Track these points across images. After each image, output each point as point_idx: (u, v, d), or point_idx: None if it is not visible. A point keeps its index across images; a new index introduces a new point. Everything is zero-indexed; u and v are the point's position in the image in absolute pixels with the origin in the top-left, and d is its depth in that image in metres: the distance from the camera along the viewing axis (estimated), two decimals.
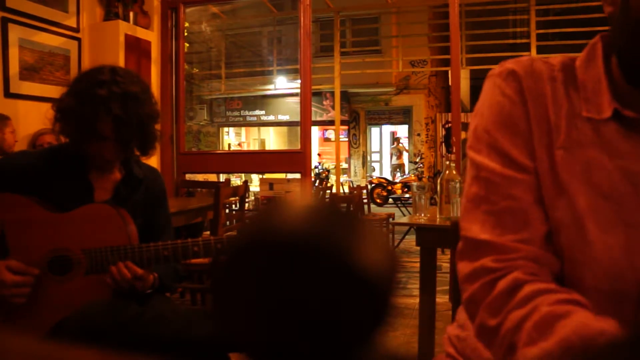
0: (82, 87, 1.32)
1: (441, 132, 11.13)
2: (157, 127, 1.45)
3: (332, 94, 9.53)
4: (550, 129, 0.67)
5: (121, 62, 3.71)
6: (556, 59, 0.72)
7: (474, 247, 0.66)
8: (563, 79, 0.69)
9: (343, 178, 11.71)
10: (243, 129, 14.84)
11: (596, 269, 0.62)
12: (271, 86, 10.36)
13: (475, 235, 0.66)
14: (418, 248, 2.06)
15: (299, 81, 3.95)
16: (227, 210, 4.00)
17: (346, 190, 9.67)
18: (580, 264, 0.64)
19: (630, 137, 0.64)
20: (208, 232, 3.27)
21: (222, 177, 7.58)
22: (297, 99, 6.65)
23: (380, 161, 14.67)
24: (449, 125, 10.45)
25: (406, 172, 12.44)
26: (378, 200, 10.56)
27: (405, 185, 10.41)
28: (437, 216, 2.01)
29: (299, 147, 3.94)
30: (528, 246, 0.64)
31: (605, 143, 0.65)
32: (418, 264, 2.14)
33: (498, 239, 0.64)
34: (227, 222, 3.12)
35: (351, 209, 4.08)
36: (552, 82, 0.69)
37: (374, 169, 14.05)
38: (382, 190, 10.79)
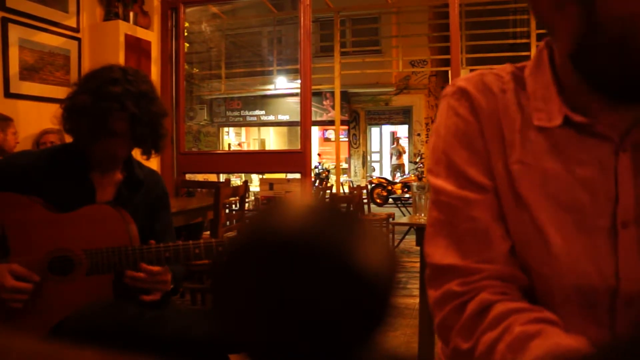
0: (96, 84, 1.33)
1: None
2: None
3: (332, 94, 9.53)
4: (505, 145, 0.67)
5: (121, 62, 3.71)
6: (506, 69, 0.72)
7: (439, 273, 0.66)
8: (514, 89, 0.69)
9: (343, 178, 11.71)
10: (243, 129, 14.84)
11: (564, 281, 0.62)
12: (271, 86, 10.36)
13: (439, 260, 0.66)
14: (418, 248, 2.06)
15: (299, 81, 3.95)
16: (227, 210, 4.00)
17: (346, 190, 9.67)
18: (549, 278, 0.63)
19: (582, 143, 0.64)
20: (208, 232, 3.27)
21: (222, 177, 7.58)
22: (297, 99, 6.65)
23: (380, 161, 14.67)
24: None
25: (406, 172, 12.44)
26: (378, 200, 10.56)
27: (405, 185, 10.41)
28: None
29: (299, 147, 3.94)
30: (491, 265, 0.64)
31: (559, 151, 0.64)
32: (418, 264, 2.15)
33: (461, 262, 0.64)
34: (227, 222, 3.12)
35: (351, 209, 4.08)
36: (503, 95, 0.69)
37: (374, 169, 14.05)
38: (382, 190, 10.79)
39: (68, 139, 1.45)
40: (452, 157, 0.69)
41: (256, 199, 7.59)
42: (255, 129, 14.70)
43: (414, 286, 3.69)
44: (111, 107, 1.30)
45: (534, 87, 0.68)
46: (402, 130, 13.73)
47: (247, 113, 13.15)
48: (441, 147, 0.71)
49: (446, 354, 0.81)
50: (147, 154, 1.45)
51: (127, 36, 3.77)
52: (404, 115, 12.79)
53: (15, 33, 3.23)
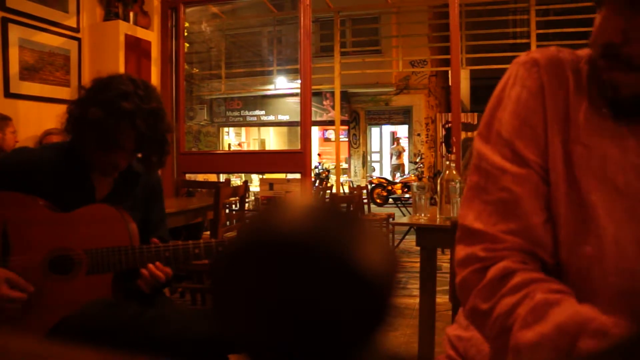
0: (108, 98, 1.31)
1: (441, 132, 11.13)
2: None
3: (332, 94, 9.53)
4: (568, 124, 0.68)
5: (121, 62, 3.71)
6: (585, 51, 0.72)
7: (467, 235, 0.70)
8: (588, 71, 0.70)
9: (343, 178, 11.71)
10: (243, 129, 14.83)
11: (606, 263, 0.64)
12: (271, 86, 10.36)
13: (470, 223, 0.70)
14: (418, 248, 2.06)
15: (299, 81, 3.95)
16: (227, 210, 4.00)
17: (346, 190, 9.67)
18: (589, 259, 0.65)
19: None
20: (208, 232, 3.27)
21: (222, 177, 7.58)
22: (297, 99, 6.64)
23: (380, 161, 14.66)
24: (449, 125, 10.44)
25: (406, 172, 12.43)
26: (378, 200, 10.56)
27: (405, 185, 10.41)
28: (437, 216, 2.01)
29: (299, 147, 3.94)
30: (516, 238, 0.67)
31: (622, 138, 0.66)
32: (418, 264, 2.14)
33: (489, 229, 0.68)
34: (227, 222, 3.12)
35: (351, 209, 4.07)
36: (577, 75, 0.70)
37: (374, 169, 14.04)
38: (382, 190, 10.79)
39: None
40: (505, 126, 0.70)
41: (256, 199, 7.59)
42: (255, 129, 14.70)
43: (414, 286, 3.68)
44: (121, 123, 1.30)
45: None
46: (402, 130, 13.72)
47: (247, 113, 13.15)
48: (497, 114, 0.72)
49: (464, 338, 0.82)
50: (149, 168, 1.45)
51: (127, 36, 3.77)
52: (404, 115, 12.78)
53: (15, 33, 3.23)
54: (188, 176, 4.38)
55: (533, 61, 0.71)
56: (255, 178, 10.30)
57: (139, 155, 1.42)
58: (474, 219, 0.69)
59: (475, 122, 9.89)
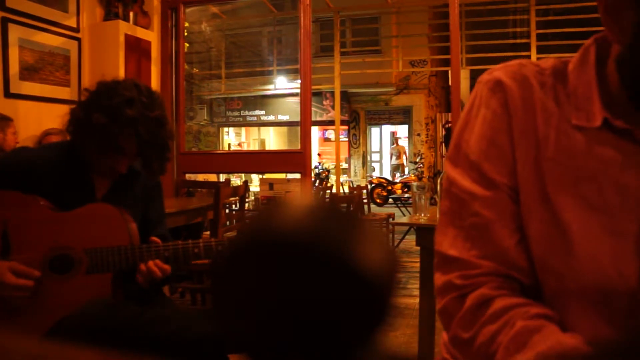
0: (112, 104, 1.31)
1: (441, 132, 11.13)
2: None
3: (332, 94, 9.53)
4: (538, 140, 0.66)
5: (121, 62, 3.71)
6: (548, 62, 0.71)
7: (443, 262, 0.70)
8: (553, 84, 0.68)
9: (343, 178, 11.71)
10: (243, 129, 14.84)
11: (583, 280, 0.62)
12: (271, 86, 10.36)
13: (446, 250, 0.69)
14: (418, 248, 2.06)
15: (299, 81, 3.96)
16: (227, 210, 4.00)
17: (346, 190, 9.67)
18: (567, 276, 0.63)
19: (620, 147, 0.63)
20: (208, 232, 3.27)
21: (222, 177, 7.58)
22: (297, 99, 6.65)
23: (380, 161, 14.67)
24: (449, 125, 10.44)
25: (406, 172, 12.44)
26: (378, 200, 10.56)
27: (405, 185, 10.41)
28: (437, 216, 2.01)
29: (299, 147, 3.94)
30: (490, 262, 0.66)
31: (594, 153, 0.64)
32: (418, 264, 2.15)
33: (464, 255, 0.67)
34: (227, 222, 3.12)
35: (351, 209, 4.07)
36: (542, 88, 0.68)
37: (374, 169, 14.05)
38: (382, 190, 10.79)
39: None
40: (472, 148, 0.70)
41: (256, 199, 7.59)
42: (255, 129, 14.70)
43: (414, 286, 3.69)
44: (125, 130, 1.31)
45: (576, 84, 0.67)
46: (402, 130, 13.72)
47: (247, 113, 13.15)
48: (464, 136, 0.71)
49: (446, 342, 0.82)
50: (150, 174, 1.45)
51: (127, 36, 3.77)
52: (404, 115, 12.78)
53: (15, 33, 3.23)
54: (188, 176, 4.38)
55: (496, 81, 0.70)
56: (255, 178, 10.31)
57: (140, 160, 1.42)
58: (449, 246, 0.69)
59: None
